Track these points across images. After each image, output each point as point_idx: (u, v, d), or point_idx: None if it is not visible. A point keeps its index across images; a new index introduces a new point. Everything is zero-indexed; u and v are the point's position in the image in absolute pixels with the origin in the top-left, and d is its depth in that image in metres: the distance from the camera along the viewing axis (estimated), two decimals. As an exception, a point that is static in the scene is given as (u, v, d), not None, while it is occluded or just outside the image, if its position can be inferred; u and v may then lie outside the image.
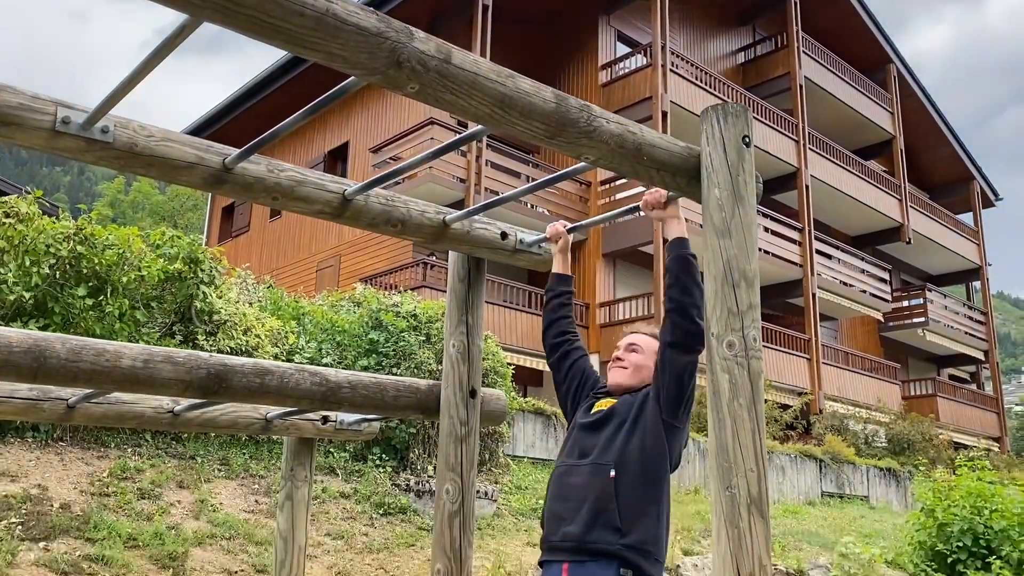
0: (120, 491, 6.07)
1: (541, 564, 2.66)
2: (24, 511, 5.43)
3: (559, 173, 2.55)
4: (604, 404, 2.78)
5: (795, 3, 20.57)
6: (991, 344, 25.31)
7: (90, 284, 6.61)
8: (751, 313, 2.12)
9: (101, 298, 6.63)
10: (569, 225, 3.01)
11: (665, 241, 2.68)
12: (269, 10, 1.58)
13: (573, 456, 2.67)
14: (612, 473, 2.54)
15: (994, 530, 7.71)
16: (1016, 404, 40.29)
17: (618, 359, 2.86)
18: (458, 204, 14.78)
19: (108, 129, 2.05)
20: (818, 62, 21.26)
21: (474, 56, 1.90)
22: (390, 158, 15.87)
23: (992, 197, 27.94)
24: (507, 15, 16.76)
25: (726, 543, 1.99)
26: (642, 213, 2.71)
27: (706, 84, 18.12)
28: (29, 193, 6.91)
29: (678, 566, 6.74)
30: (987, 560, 7.58)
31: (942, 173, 27.01)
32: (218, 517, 6.14)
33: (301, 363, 7.73)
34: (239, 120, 20.60)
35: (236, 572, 5.54)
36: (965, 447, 20.81)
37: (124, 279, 6.75)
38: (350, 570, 5.98)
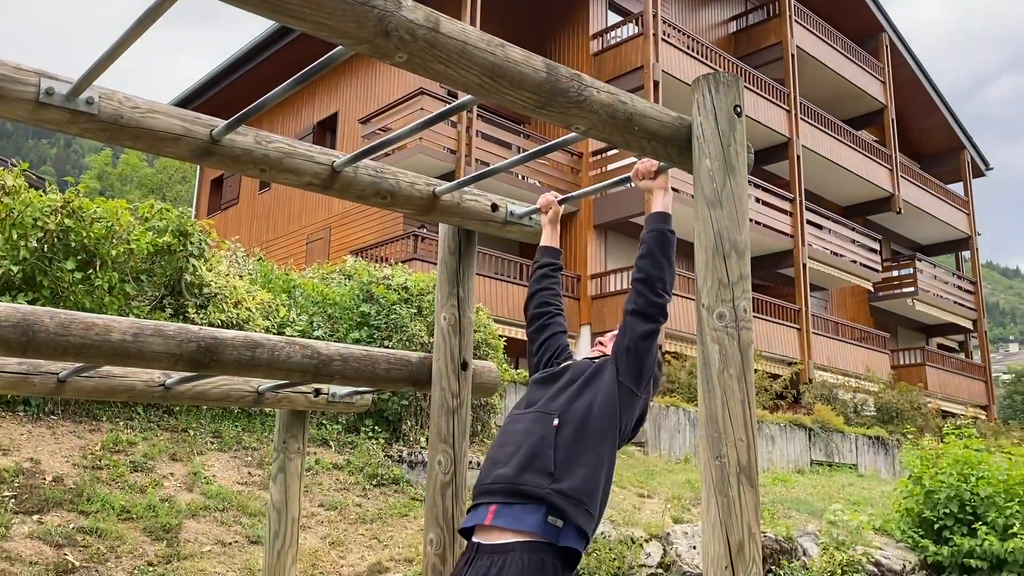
0: (113, 464, 6.08)
1: (469, 511, 2.56)
2: (17, 484, 5.43)
3: (549, 144, 2.53)
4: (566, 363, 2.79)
5: (787, -29, 20.40)
6: (980, 313, 25.47)
7: (79, 257, 6.57)
8: (741, 284, 2.13)
9: (90, 271, 6.60)
10: (560, 196, 3.00)
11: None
12: (254, -22, 1.55)
13: (520, 407, 2.66)
14: (555, 422, 2.49)
15: (980, 497, 7.81)
16: (1003, 372, 40.64)
17: (599, 342, 2.87)
18: (448, 175, 14.71)
19: (93, 100, 2.03)
20: (810, 31, 21.13)
21: (463, 25, 1.88)
22: (380, 129, 15.76)
23: (983, 167, 27.97)
24: (497, -17, 16.58)
25: (716, 511, 2.01)
26: (633, 184, 2.70)
27: (698, 53, 18.01)
28: (15, 166, 6.85)
29: (668, 534, 6.81)
30: (973, 526, 7.69)
31: (933, 143, 27.00)
32: (211, 489, 6.16)
33: (292, 336, 7.74)
34: (228, 91, 20.40)
35: (230, 543, 5.58)
36: (953, 415, 21.01)
37: (113, 252, 6.71)
38: (344, 540, 6.03)
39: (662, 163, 2.57)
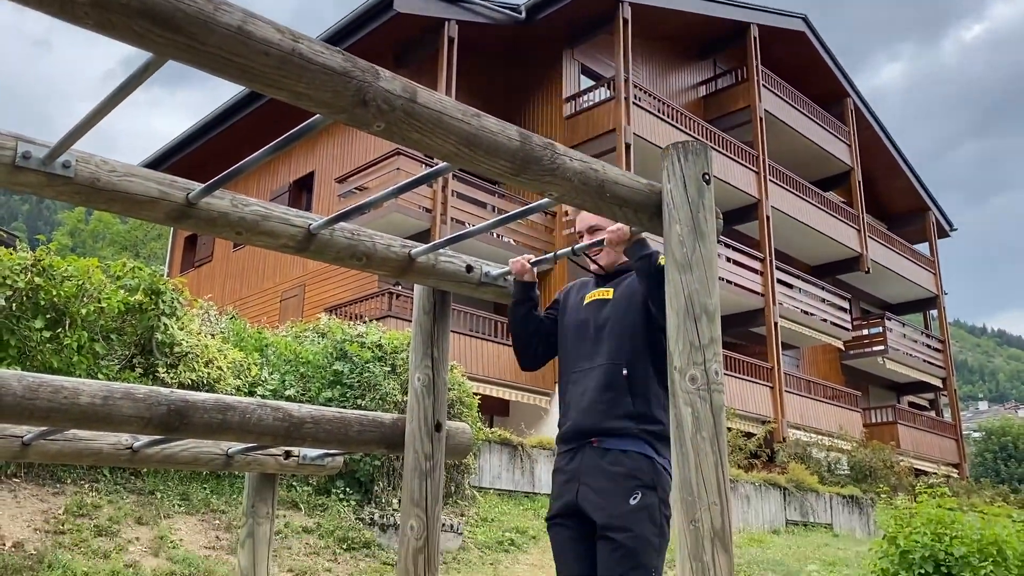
0: (76, 528, 5.92)
1: (556, 470, 2.86)
2: (-25, 550, 5.27)
3: (523, 209, 2.57)
4: (599, 294, 2.94)
5: (754, 38, 21.03)
6: (949, 371, 25.77)
7: (48, 316, 6.49)
8: (712, 347, 2.15)
9: (59, 330, 6.51)
10: (533, 259, 3.03)
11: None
12: (234, 49, 1.59)
13: (581, 361, 2.86)
14: (624, 372, 2.74)
15: (955, 556, 7.80)
16: (974, 431, 40.94)
17: (593, 238, 2.89)
18: (424, 234, 14.79)
19: (70, 164, 2.04)
20: (777, 95, 21.71)
21: (440, 95, 1.93)
22: (356, 188, 15.85)
23: (947, 227, 28.61)
24: (473, 47, 16.92)
25: (690, 577, 2.00)
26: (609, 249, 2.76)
27: (669, 117, 18.40)
28: (-14, 223, 6.79)
29: (644, 597, 6.72)
30: (948, 587, 7.67)
31: (899, 204, 27.63)
32: (178, 554, 6.01)
33: (264, 395, 7.65)
34: (202, 150, 20.46)
35: (195, 611, 5.42)
36: (926, 473, 21.09)
37: (83, 311, 6.64)
38: (313, 607, 5.88)
39: (634, 229, 2.61)
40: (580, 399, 2.81)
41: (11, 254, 6.52)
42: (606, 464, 2.72)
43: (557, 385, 3.02)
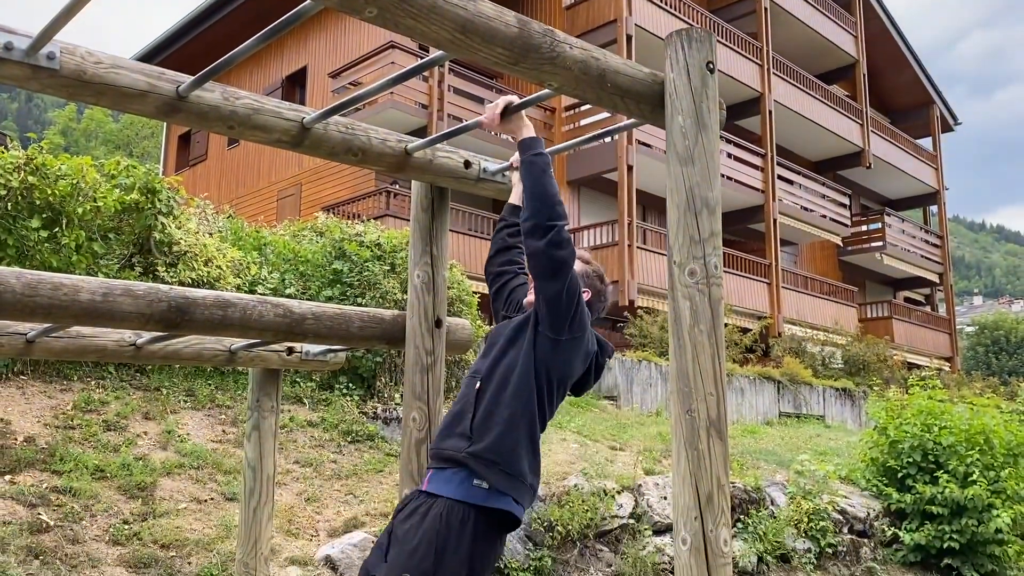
0: (85, 423, 6.05)
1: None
2: (-12, 445, 5.40)
3: (522, 100, 2.52)
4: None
5: (761, -77, 20.19)
6: (946, 267, 25.88)
7: (44, 216, 6.45)
8: (712, 240, 2.15)
9: (56, 230, 6.49)
10: (510, 99, 2.83)
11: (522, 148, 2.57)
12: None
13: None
14: (478, 385, 2.50)
15: (942, 446, 8.02)
16: (968, 325, 41.48)
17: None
18: (420, 131, 14.56)
19: (54, 56, 1.98)
20: (783, -16, 21.01)
21: (434, -21, 1.85)
22: (350, 83, 15.53)
23: (951, 122, 28.18)
24: (468, -66, 16.25)
25: (686, 464, 2.06)
26: (488, 130, 2.62)
27: (671, 7, 17.85)
28: (-26, 121, 6.67)
29: (640, 485, 6.94)
30: (935, 474, 7.91)
31: (903, 98, 27.11)
32: (185, 447, 6.16)
33: (264, 294, 7.69)
34: (193, 44, 19.92)
35: (205, 500, 5.60)
36: (918, 367, 21.45)
37: (79, 210, 6.60)
38: (319, 496, 6.08)
39: (510, 100, 2.51)
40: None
41: (3, 152, 6.43)
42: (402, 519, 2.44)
43: None
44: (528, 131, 2.54)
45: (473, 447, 2.40)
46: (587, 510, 6.36)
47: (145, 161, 9.01)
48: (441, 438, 2.51)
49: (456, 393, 3.19)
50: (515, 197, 2.92)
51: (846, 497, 8.11)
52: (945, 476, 7.76)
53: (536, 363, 2.48)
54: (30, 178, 6.33)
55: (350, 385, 7.97)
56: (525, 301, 2.72)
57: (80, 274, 6.46)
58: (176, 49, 20.25)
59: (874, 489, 8.37)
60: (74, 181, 6.59)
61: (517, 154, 2.62)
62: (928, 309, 26.74)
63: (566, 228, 2.48)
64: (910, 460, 8.15)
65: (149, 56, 20.35)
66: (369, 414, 7.67)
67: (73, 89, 2.04)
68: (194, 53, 19.64)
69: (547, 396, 2.52)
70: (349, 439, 7.14)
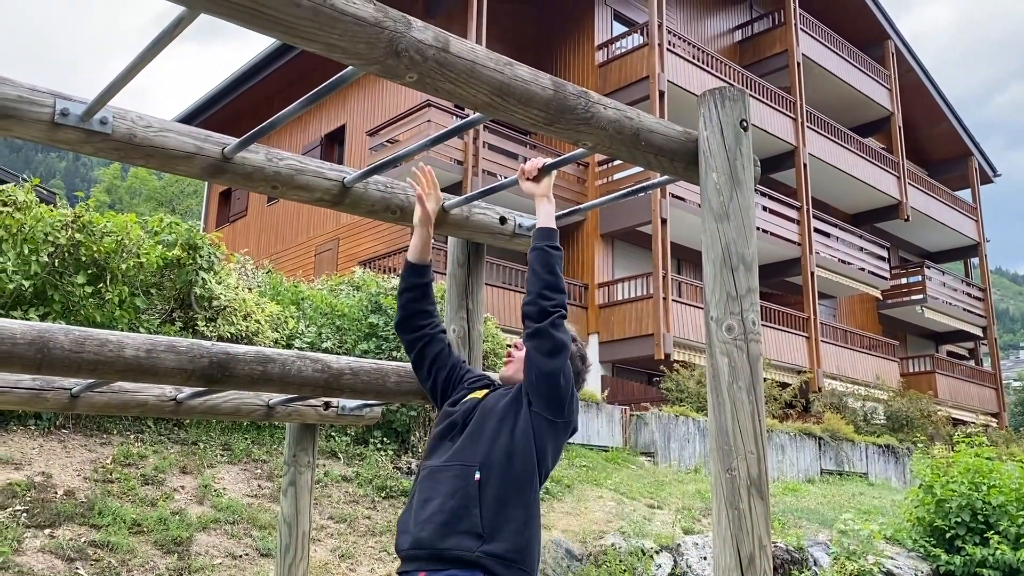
0: (123, 477, 6.10)
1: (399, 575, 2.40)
2: (28, 498, 5.46)
3: (557, 160, 2.55)
4: (476, 395, 2.59)
5: (792, -21, 20.44)
6: (989, 320, 25.36)
7: (89, 271, 6.61)
8: (750, 296, 2.14)
9: (100, 285, 6.64)
10: (547, 161, 2.63)
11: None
12: (265, 1, 1.58)
13: (435, 457, 2.45)
14: (477, 476, 2.31)
15: (992, 505, 7.77)
16: (1015, 380, 40.41)
17: (509, 354, 2.67)
18: (456, 186, 14.76)
19: (107, 120, 2.05)
20: (816, 39, 21.15)
21: (471, 44, 1.90)
22: (387, 141, 15.82)
23: (990, 173, 27.89)
24: (503, -5, 16.65)
25: (727, 524, 2.02)
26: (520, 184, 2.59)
27: (703, 63, 18.03)
28: (26, 181, 6.91)
29: (679, 544, 6.79)
30: (985, 535, 7.65)
31: (940, 149, 26.95)
32: (222, 502, 6.18)
33: (301, 348, 7.77)
34: (235, 104, 20.49)
35: (240, 556, 5.59)
36: (963, 423, 20.90)
37: (123, 266, 6.76)
38: (353, 552, 6.04)
39: (547, 161, 2.52)
40: (421, 508, 2.34)
41: (52, 211, 6.63)
42: None
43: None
44: (550, 220, 2.55)
45: (487, 546, 2.24)
46: (625, 570, 6.23)
47: (187, 218, 9.22)
48: (437, 536, 2.27)
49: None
50: (415, 253, 2.81)
51: (892, 558, 7.86)
52: (996, 537, 7.51)
53: (536, 445, 2.39)
54: (77, 235, 6.52)
55: (384, 440, 7.97)
56: (500, 377, 2.66)
57: (122, 329, 6.59)
58: (219, 108, 20.84)
59: (921, 550, 8.11)
60: (119, 238, 6.77)
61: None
62: (972, 363, 26.14)
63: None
64: (958, 520, 7.90)
65: (193, 115, 20.95)
66: (403, 469, 7.64)
67: (124, 152, 2.11)
68: (237, 112, 20.19)
69: (541, 479, 2.43)
70: (383, 495, 7.10)
